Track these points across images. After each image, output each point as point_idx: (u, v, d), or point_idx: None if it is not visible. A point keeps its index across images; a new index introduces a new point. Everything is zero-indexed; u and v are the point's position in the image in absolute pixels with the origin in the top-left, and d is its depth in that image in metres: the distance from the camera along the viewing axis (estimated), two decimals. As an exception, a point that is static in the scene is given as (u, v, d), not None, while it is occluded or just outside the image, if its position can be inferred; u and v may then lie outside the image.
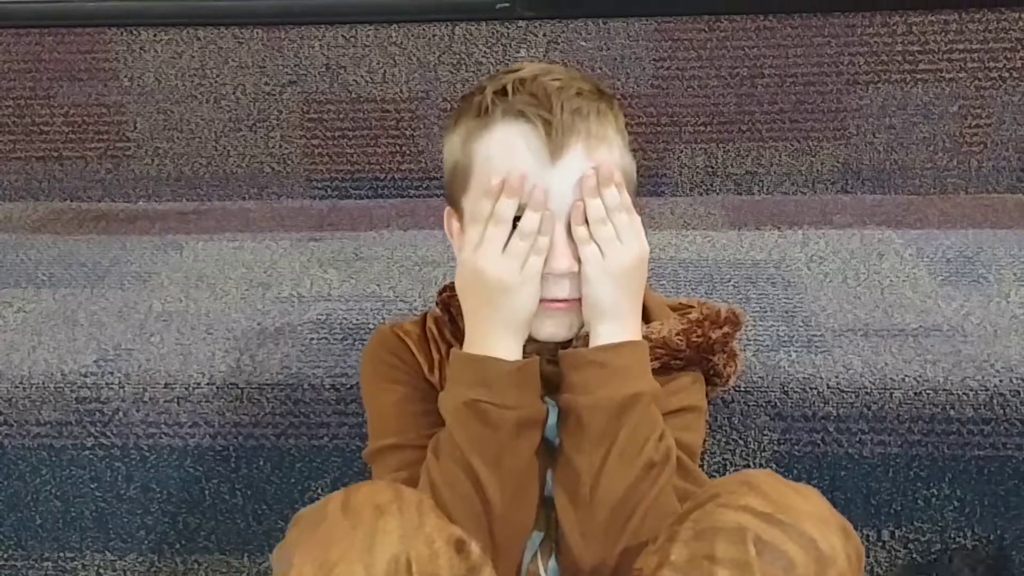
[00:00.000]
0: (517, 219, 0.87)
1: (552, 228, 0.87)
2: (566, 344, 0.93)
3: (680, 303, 1.02)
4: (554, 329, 0.91)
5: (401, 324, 1.01)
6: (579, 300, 0.89)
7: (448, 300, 0.99)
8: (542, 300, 0.89)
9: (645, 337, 0.93)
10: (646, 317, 0.97)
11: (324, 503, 0.81)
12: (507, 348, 0.88)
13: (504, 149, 0.88)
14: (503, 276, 0.87)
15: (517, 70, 0.90)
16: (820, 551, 0.76)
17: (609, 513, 0.86)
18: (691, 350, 0.96)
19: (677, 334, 0.95)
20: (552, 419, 0.93)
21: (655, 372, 0.92)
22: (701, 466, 1.13)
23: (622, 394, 0.87)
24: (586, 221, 0.87)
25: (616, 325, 0.89)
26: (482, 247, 0.88)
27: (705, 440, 1.12)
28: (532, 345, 0.92)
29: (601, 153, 0.89)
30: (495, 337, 0.88)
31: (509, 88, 0.88)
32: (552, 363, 0.93)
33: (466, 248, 0.90)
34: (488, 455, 0.86)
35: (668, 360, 0.96)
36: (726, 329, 0.98)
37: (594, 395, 0.87)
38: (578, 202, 0.87)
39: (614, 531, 0.86)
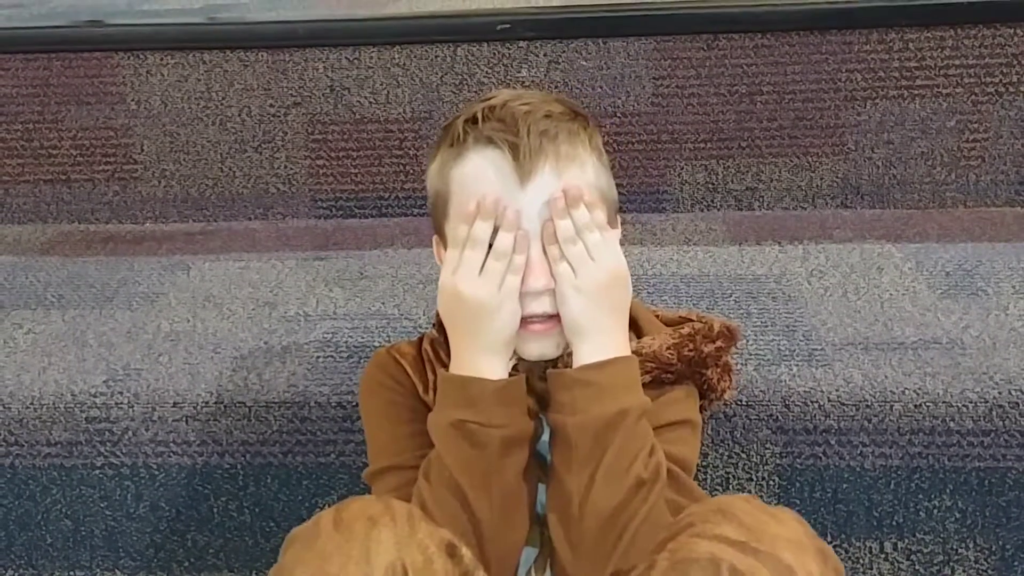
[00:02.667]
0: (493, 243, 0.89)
1: (527, 248, 0.89)
2: (556, 363, 0.94)
3: (680, 316, 1.03)
4: (540, 348, 0.92)
5: (398, 346, 1.03)
6: (558, 318, 0.91)
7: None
8: (524, 319, 0.90)
9: (635, 352, 0.94)
10: (637, 332, 0.98)
11: (316, 521, 0.82)
12: (491, 368, 0.89)
13: (476, 175, 0.90)
14: (481, 297, 0.88)
15: (490, 98, 0.93)
16: None
17: (598, 531, 0.87)
18: (683, 364, 0.97)
19: (668, 348, 0.96)
20: (546, 436, 0.94)
21: (646, 386, 0.93)
22: (704, 480, 1.14)
23: (608, 412, 0.87)
24: (557, 240, 0.89)
25: (596, 343, 0.89)
26: (460, 270, 0.89)
27: (707, 454, 1.13)
28: (524, 364, 0.93)
29: (572, 172, 0.90)
30: (479, 358, 0.90)
31: (479, 116, 0.91)
32: (544, 380, 0.93)
33: (444, 271, 0.91)
34: (476, 475, 0.87)
35: (659, 374, 0.97)
36: (719, 343, 0.99)
37: (581, 414, 0.88)
38: (548, 222, 0.89)
39: (604, 549, 0.87)
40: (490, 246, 0.89)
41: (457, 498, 0.87)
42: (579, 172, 0.91)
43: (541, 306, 0.90)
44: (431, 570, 0.80)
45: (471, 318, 0.89)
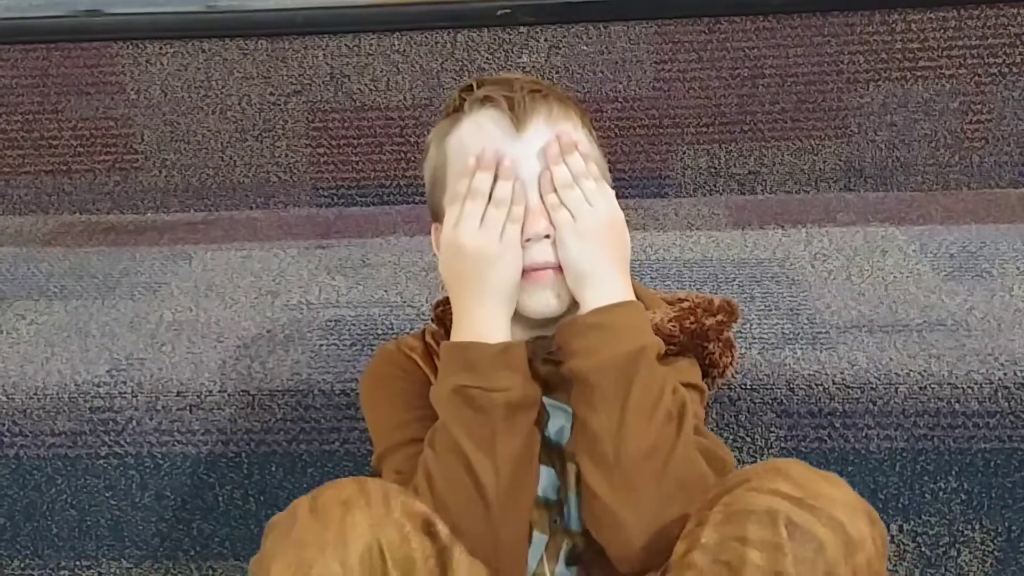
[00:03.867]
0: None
1: (524, 196, 0.91)
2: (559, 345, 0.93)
3: (677, 297, 1.03)
4: (543, 301, 0.92)
5: (405, 340, 1.03)
6: (561, 269, 0.91)
7: (443, 314, 1.01)
8: (525, 270, 0.90)
9: None
10: None
11: (293, 508, 0.82)
12: (494, 323, 0.90)
13: (473, 132, 0.93)
14: (482, 247, 0.89)
15: (484, 77, 0.97)
16: (848, 535, 0.77)
17: (638, 470, 0.85)
18: (685, 335, 0.97)
19: (670, 320, 0.96)
20: (557, 423, 0.94)
21: None
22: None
23: (627, 350, 0.87)
24: (555, 189, 0.91)
25: (602, 288, 0.90)
26: (460, 224, 0.91)
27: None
28: (529, 345, 0.92)
29: (565, 126, 0.93)
30: (481, 311, 0.90)
31: (474, 84, 0.95)
32: (549, 362, 0.93)
33: (445, 228, 0.92)
34: (481, 440, 0.87)
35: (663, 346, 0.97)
36: (720, 317, 0.99)
37: (599, 356, 0.87)
38: (545, 171, 0.91)
39: (649, 488, 0.85)
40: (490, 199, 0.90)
41: (462, 464, 0.87)
42: (572, 128, 0.94)
43: (543, 255, 0.91)
44: (408, 548, 0.80)
45: (473, 270, 0.90)
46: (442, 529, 0.83)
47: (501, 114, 0.92)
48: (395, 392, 0.99)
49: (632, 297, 0.91)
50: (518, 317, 0.92)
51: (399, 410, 0.97)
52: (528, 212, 0.90)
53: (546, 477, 0.94)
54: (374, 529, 0.79)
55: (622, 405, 0.86)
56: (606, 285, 0.90)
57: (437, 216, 0.97)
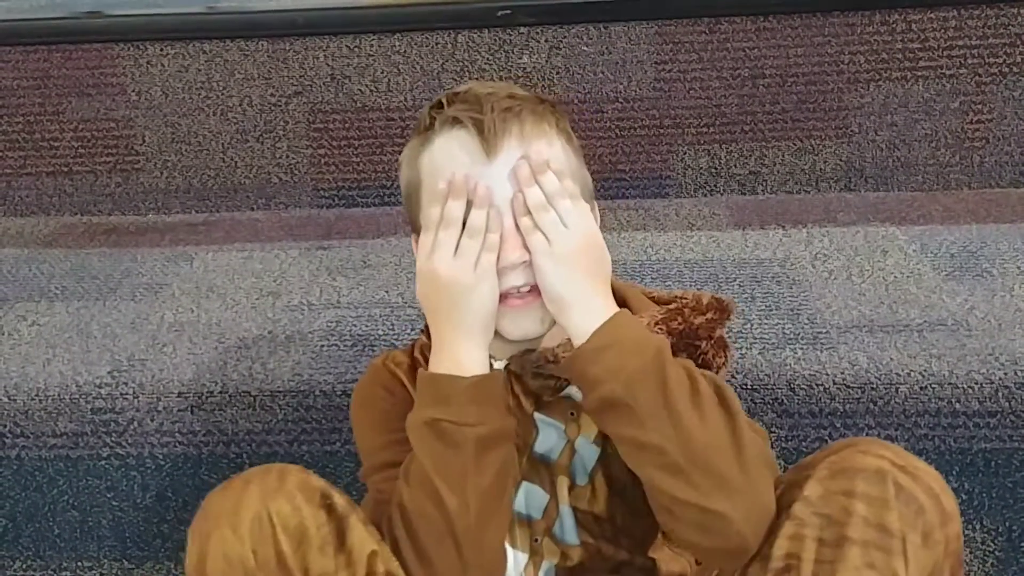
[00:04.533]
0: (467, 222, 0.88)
1: (500, 224, 0.87)
2: (544, 354, 0.92)
3: (674, 296, 1.01)
4: (522, 326, 0.90)
5: (393, 355, 1.01)
6: (538, 291, 0.89)
7: None
8: (502, 296, 0.88)
9: None
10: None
11: (213, 489, 0.88)
12: (470, 355, 0.88)
13: (444, 155, 0.89)
14: (458, 276, 0.87)
15: (456, 88, 0.93)
16: (943, 506, 0.82)
17: (713, 460, 0.83)
18: (673, 337, 0.93)
19: (656, 323, 0.93)
20: (548, 440, 0.93)
21: None
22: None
23: (647, 357, 0.84)
24: (528, 212, 0.87)
25: (586, 311, 0.87)
26: (435, 252, 0.88)
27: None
28: (516, 361, 0.92)
29: (538, 146, 0.89)
30: (458, 343, 0.88)
31: (444, 101, 0.91)
32: (540, 377, 0.92)
33: (420, 256, 0.90)
34: (451, 475, 0.85)
35: None
36: (710, 315, 0.95)
37: (624, 373, 0.84)
38: (518, 193, 0.87)
39: (732, 472, 0.83)
40: (464, 226, 0.88)
41: (432, 500, 0.86)
42: (545, 147, 0.90)
43: (518, 278, 0.88)
44: (299, 516, 0.84)
45: (449, 300, 0.88)
46: (339, 501, 0.87)
47: (471, 137, 0.87)
48: (376, 413, 0.98)
49: (615, 308, 0.89)
50: (500, 336, 0.91)
51: (378, 432, 0.96)
52: (503, 239, 0.87)
53: (529, 495, 0.93)
54: (264, 500, 0.84)
55: (668, 410, 0.83)
56: (588, 306, 0.87)
57: (414, 226, 0.96)
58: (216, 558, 0.83)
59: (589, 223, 0.89)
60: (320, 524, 0.84)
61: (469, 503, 0.85)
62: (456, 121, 0.89)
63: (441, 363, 0.89)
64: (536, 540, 0.94)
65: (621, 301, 0.91)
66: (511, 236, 0.88)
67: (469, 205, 0.87)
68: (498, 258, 0.87)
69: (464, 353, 0.88)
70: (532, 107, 0.91)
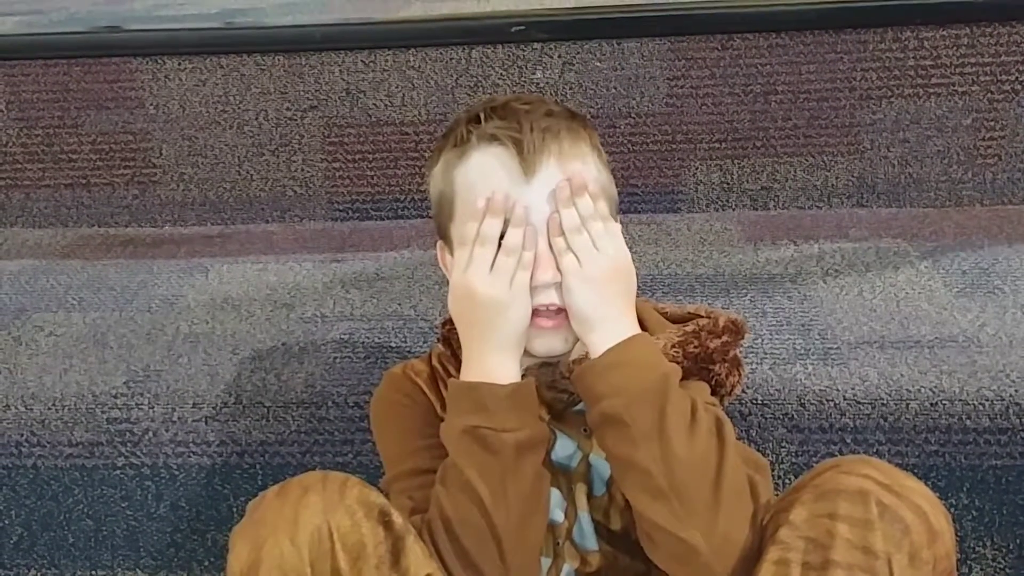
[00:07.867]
0: (502, 238, 0.89)
1: (535, 243, 0.89)
2: (562, 371, 0.94)
3: (688, 312, 1.03)
4: (549, 343, 0.92)
5: (412, 364, 1.03)
6: (566, 313, 0.91)
7: (448, 334, 1.01)
8: (533, 313, 0.90)
9: None
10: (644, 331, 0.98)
11: (265, 491, 0.87)
12: (503, 367, 0.90)
13: (481, 173, 0.91)
14: (493, 293, 0.89)
15: (491, 100, 0.94)
16: (931, 524, 0.81)
17: (695, 492, 0.85)
18: (689, 361, 0.96)
19: (673, 346, 0.95)
20: (566, 448, 0.94)
21: None
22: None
23: (652, 380, 0.87)
24: (563, 232, 0.89)
25: (606, 331, 0.89)
26: (470, 268, 0.90)
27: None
28: (532, 372, 0.93)
29: (575, 167, 0.91)
30: (491, 356, 0.90)
31: (481, 116, 0.92)
32: (553, 389, 0.94)
33: (455, 271, 0.92)
34: (492, 480, 0.87)
35: None
36: (725, 338, 0.98)
37: (628, 392, 0.86)
38: (553, 214, 0.89)
39: (711, 506, 0.84)
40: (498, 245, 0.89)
41: (475, 504, 0.87)
42: (581, 166, 0.92)
43: (548, 297, 0.90)
44: (358, 533, 0.83)
45: (483, 316, 0.90)
46: (397, 519, 0.86)
47: (510, 156, 0.89)
48: (401, 420, 0.99)
49: (638, 330, 0.91)
50: (525, 351, 0.93)
51: (405, 439, 0.98)
52: (537, 259, 0.89)
53: (552, 499, 0.94)
54: (326, 513, 0.83)
55: (661, 435, 0.85)
56: (610, 328, 0.89)
57: (443, 235, 0.98)
58: (271, 567, 0.82)
59: (619, 246, 0.91)
60: (378, 542, 0.84)
61: (510, 506, 0.88)
62: (494, 138, 0.90)
63: (473, 374, 0.91)
64: (558, 543, 0.95)
65: (639, 322, 0.93)
66: (544, 256, 0.90)
67: (505, 223, 0.89)
68: (531, 277, 0.89)
69: (498, 365, 0.90)
70: (568, 124, 0.92)
